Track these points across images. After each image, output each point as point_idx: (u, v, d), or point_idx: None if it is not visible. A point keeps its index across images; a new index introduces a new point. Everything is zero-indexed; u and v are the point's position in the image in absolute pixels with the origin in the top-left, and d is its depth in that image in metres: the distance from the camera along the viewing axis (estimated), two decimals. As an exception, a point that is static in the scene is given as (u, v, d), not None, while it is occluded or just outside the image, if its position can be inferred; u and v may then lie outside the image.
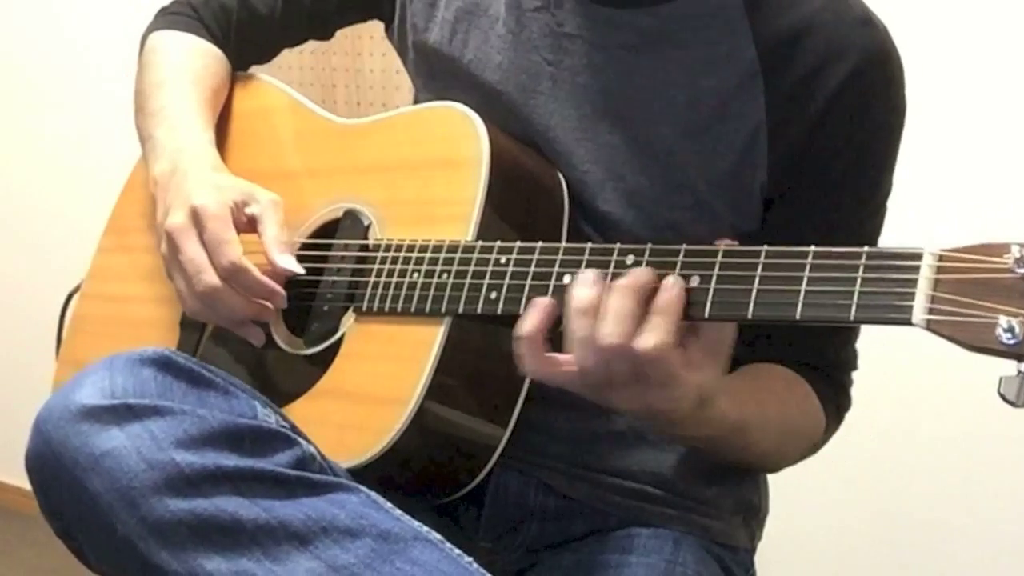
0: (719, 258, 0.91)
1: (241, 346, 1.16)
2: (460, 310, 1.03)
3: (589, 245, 0.99)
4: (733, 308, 0.90)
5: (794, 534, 1.65)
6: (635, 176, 1.10)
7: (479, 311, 1.02)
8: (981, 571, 1.88)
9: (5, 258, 2.81)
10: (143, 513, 0.86)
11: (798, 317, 0.87)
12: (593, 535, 1.12)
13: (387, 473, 1.02)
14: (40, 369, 1.39)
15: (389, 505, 0.91)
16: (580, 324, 0.91)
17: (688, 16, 1.10)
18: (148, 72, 1.30)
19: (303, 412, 1.06)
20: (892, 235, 1.12)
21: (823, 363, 1.14)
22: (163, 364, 0.93)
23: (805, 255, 0.88)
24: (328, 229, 1.17)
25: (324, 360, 1.10)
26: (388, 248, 1.10)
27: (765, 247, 0.90)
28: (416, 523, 0.91)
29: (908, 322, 0.82)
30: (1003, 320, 0.78)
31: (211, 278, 1.09)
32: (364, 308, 1.10)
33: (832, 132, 1.08)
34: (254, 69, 1.37)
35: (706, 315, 0.91)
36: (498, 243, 1.03)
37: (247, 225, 1.13)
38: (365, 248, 1.12)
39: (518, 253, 1.02)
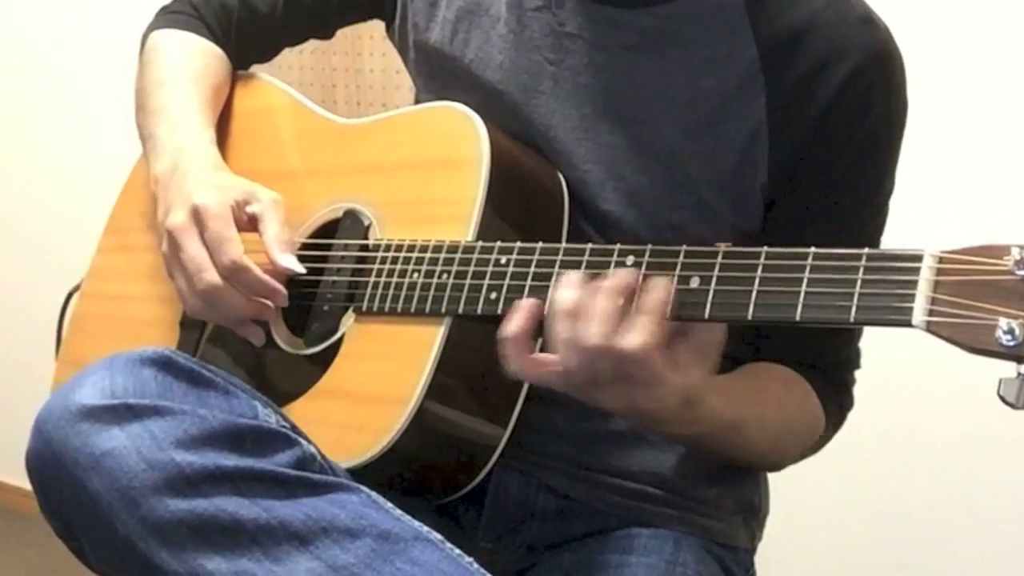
0: (719, 259, 0.91)
1: (241, 346, 1.16)
2: (460, 310, 1.03)
3: (589, 246, 0.99)
4: (733, 309, 0.90)
5: (794, 534, 1.65)
6: (636, 176, 1.10)
7: (479, 311, 1.02)
8: (981, 571, 1.88)
9: (5, 258, 2.81)
10: (143, 513, 0.86)
11: (798, 318, 0.87)
12: (593, 535, 1.12)
13: (387, 473, 1.02)
14: (40, 369, 1.38)
15: (389, 505, 0.91)
16: (564, 326, 0.91)
17: (689, 16, 1.10)
18: (149, 71, 1.30)
19: (303, 412, 1.06)
20: (893, 236, 1.12)
21: (824, 362, 1.14)
22: (163, 364, 0.93)
23: (805, 256, 0.88)
24: (328, 229, 1.17)
25: (324, 360, 1.10)
26: (388, 248, 1.10)
27: (765, 248, 0.90)
28: (416, 523, 0.91)
29: (908, 324, 0.82)
30: (1003, 322, 0.78)
31: (212, 276, 1.09)
32: (364, 308, 1.09)
33: (833, 132, 1.08)
34: (255, 68, 1.37)
35: (706, 316, 0.90)
36: (498, 243, 1.03)
37: (248, 224, 1.13)
38: (365, 248, 1.12)
39: (518, 253, 1.01)
